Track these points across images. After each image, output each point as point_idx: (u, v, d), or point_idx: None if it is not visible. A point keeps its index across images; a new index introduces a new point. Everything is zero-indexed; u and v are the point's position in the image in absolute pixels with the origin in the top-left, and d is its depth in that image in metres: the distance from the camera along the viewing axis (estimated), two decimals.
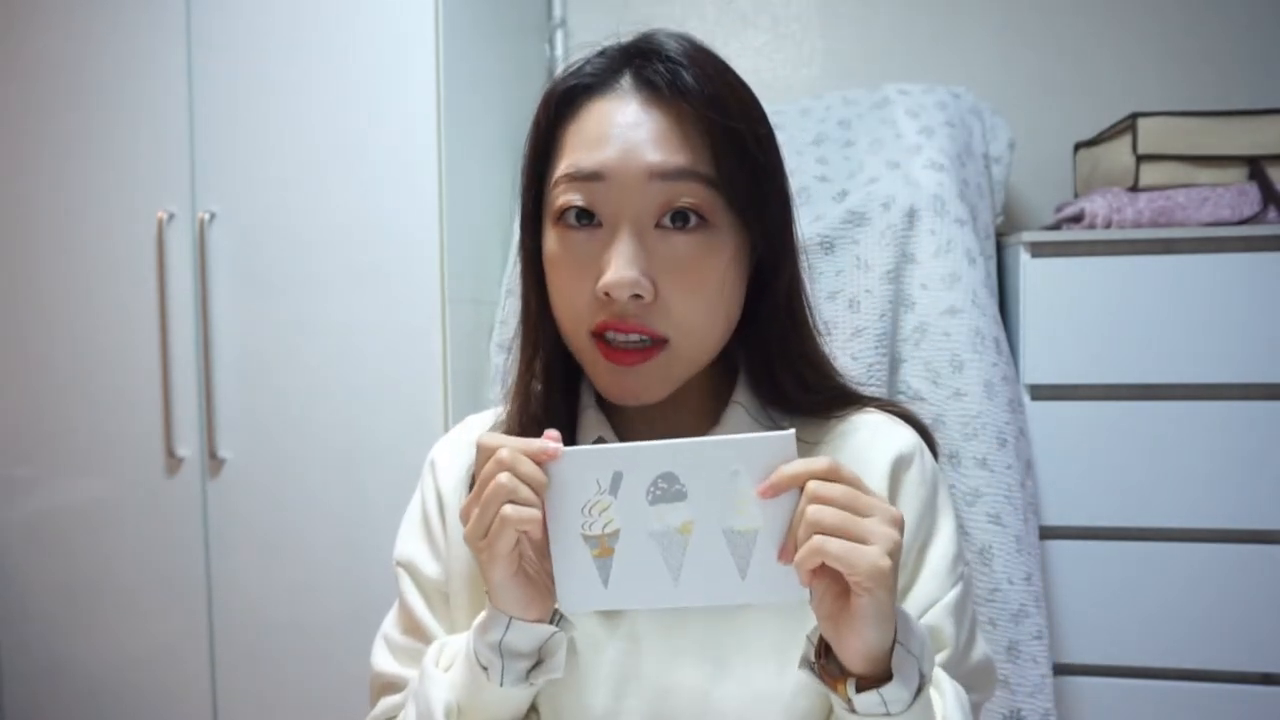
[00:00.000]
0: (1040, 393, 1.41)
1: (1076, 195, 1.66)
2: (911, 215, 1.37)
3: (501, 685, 0.59)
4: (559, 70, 0.67)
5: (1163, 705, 1.36)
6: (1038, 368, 1.41)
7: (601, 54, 0.66)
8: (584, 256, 0.61)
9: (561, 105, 0.64)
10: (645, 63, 0.62)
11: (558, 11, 1.88)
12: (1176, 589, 1.35)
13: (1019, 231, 1.48)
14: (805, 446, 0.69)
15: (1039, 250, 1.42)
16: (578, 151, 0.61)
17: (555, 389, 0.67)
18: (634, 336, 0.61)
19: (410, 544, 0.74)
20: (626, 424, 0.69)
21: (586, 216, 0.61)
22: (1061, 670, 1.37)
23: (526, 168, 0.66)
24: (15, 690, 1.55)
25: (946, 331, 1.35)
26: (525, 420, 0.67)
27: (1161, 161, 1.45)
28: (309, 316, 1.41)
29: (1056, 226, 1.55)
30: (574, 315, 0.62)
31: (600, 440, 0.68)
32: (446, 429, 1.37)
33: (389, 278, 1.39)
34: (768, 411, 0.70)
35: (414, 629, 0.71)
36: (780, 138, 1.70)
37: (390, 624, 0.74)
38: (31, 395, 1.52)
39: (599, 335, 0.62)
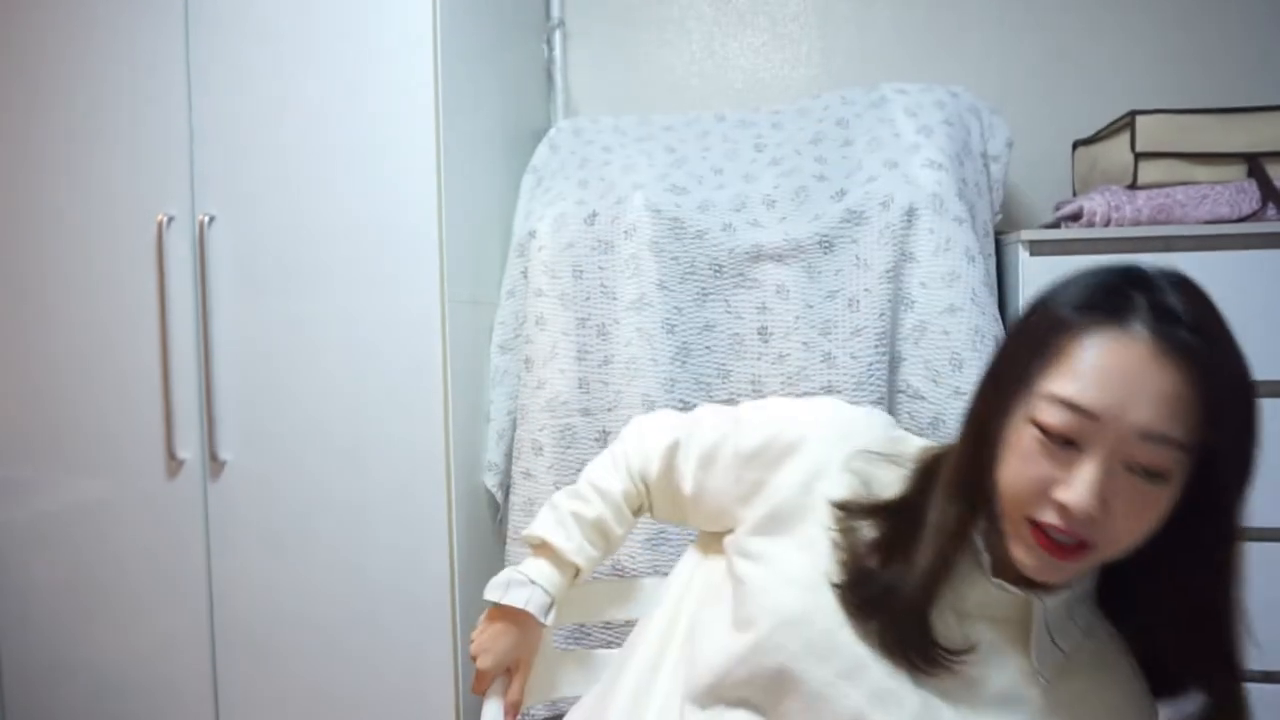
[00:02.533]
0: None
1: (1075, 193, 1.66)
2: (910, 214, 1.37)
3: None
4: (1056, 293, 0.71)
5: None
6: None
7: (1109, 281, 0.69)
8: (1049, 460, 0.66)
9: (1062, 326, 0.67)
10: (1165, 322, 0.65)
11: (556, 11, 1.89)
12: None
13: (1018, 229, 1.48)
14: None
15: (1038, 248, 1.42)
16: (1079, 381, 0.65)
17: (971, 531, 0.73)
18: (1067, 539, 0.66)
19: (761, 418, 0.89)
20: (1000, 562, 0.74)
21: (1068, 439, 0.65)
22: None
23: (1011, 361, 0.71)
24: (17, 690, 1.56)
25: (946, 330, 1.35)
26: (944, 557, 0.73)
27: (1160, 159, 1.45)
28: (309, 318, 1.42)
29: (1055, 224, 1.55)
30: (1020, 497, 0.68)
31: (1002, 587, 0.73)
32: (447, 429, 1.38)
33: (389, 279, 1.39)
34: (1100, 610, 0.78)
35: (677, 444, 0.94)
36: (778, 137, 1.71)
37: (705, 421, 0.94)
38: (33, 397, 1.52)
39: (1034, 521, 0.68)
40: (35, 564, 1.53)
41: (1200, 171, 1.44)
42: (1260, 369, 1.40)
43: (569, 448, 1.46)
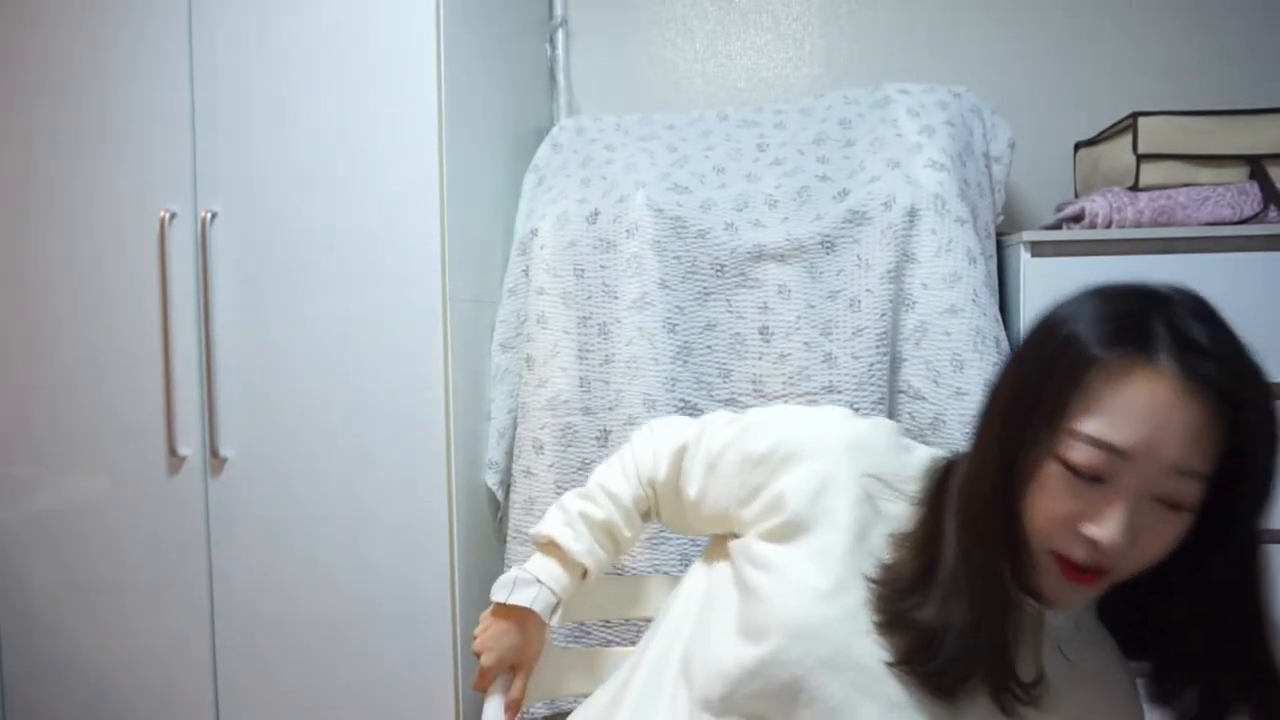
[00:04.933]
0: None
1: (1077, 195, 1.66)
2: (912, 214, 1.37)
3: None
4: (1073, 316, 0.69)
5: None
6: None
7: (1130, 309, 0.68)
8: (1078, 497, 0.67)
9: (1092, 365, 0.66)
10: (1189, 353, 0.64)
11: (559, 11, 1.89)
12: None
13: (1019, 231, 1.48)
14: None
15: (1039, 250, 1.42)
16: (1111, 421, 0.65)
17: (1010, 559, 0.71)
18: (1091, 565, 0.68)
19: (770, 425, 0.87)
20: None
21: (1095, 477, 0.66)
22: None
23: (1035, 395, 0.69)
24: (17, 688, 1.56)
25: (947, 331, 1.35)
26: (992, 596, 0.71)
27: (1162, 161, 1.45)
28: (310, 315, 1.42)
29: (1057, 226, 1.55)
30: (1045, 532, 0.69)
31: (1027, 603, 0.73)
32: (448, 428, 1.38)
33: (390, 276, 1.39)
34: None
35: (685, 448, 0.94)
36: (781, 137, 1.71)
37: (715, 426, 0.94)
38: (34, 393, 1.52)
39: (1055, 552, 0.69)
40: (36, 561, 1.53)
41: (1202, 173, 1.44)
42: None
43: (570, 446, 1.46)
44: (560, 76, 1.89)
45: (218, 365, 1.45)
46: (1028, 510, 0.69)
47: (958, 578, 0.72)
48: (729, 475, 0.88)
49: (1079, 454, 0.65)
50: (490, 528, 1.55)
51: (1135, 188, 1.45)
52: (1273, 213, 1.40)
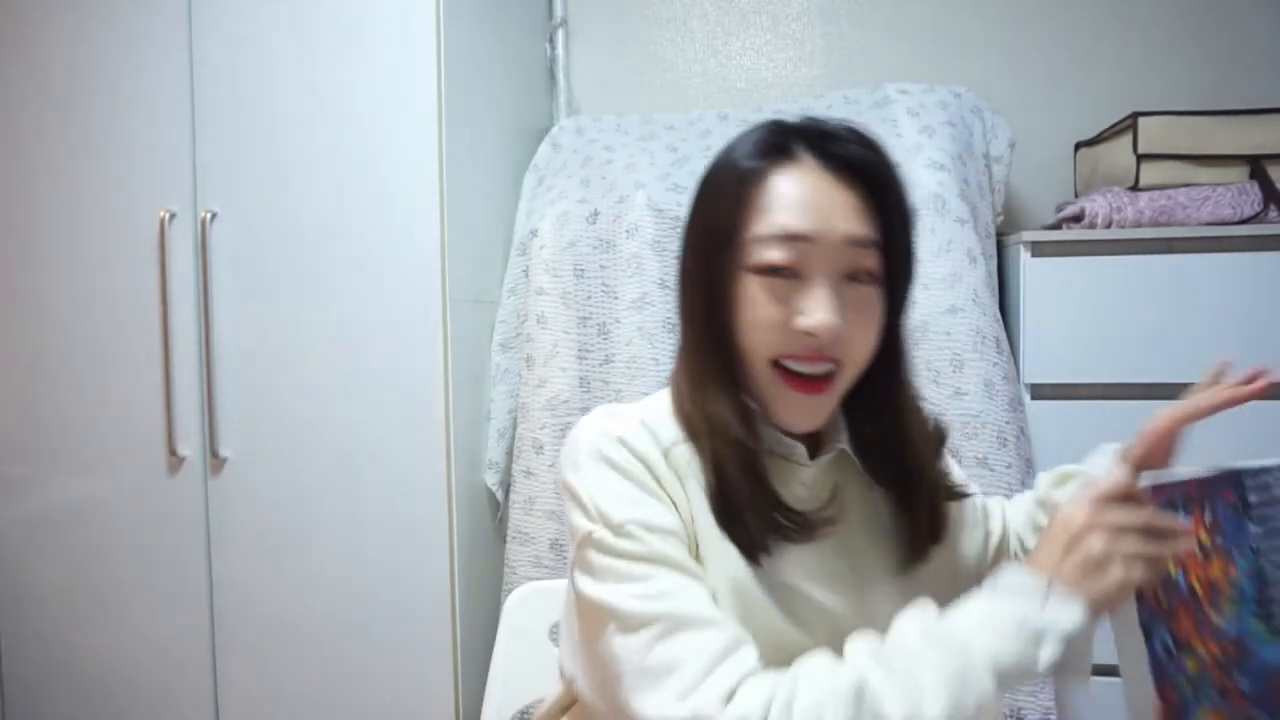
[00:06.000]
0: (1040, 392, 1.41)
1: (1077, 195, 1.66)
2: None
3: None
4: (734, 150, 0.75)
5: None
6: (1038, 367, 1.42)
7: (768, 129, 0.75)
8: (781, 300, 0.71)
9: (748, 176, 0.73)
10: (827, 141, 0.73)
11: (558, 11, 1.89)
12: None
13: (1019, 231, 1.48)
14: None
15: (1039, 250, 1.42)
16: (784, 213, 0.71)
17: (741, 407, 0.74)
18: (820, 368, 0.71)
19: (634, 507, 0.72)
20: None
21: (789, 270, 0.71)
22: None
23: (710, 226, 0.75)
24: (17, 687, 1.56)
25: (947, 331, 1.35)
26: (725, 438, 0.73)
27: (1162, 161, 1.45)
28: (310, 316, 1.42)
29: (1057, 226, 1.55)
30: (762, 346, 0.72)
31: (819, 464, 0.77)
32: (448, 428, 1.38)
33: (390, 276, 1.39)
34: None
35: (687, 573, 0.71)
36: None
37: (660, 586, 0.69)
38: (34, 394, 1.52)
39: (777, 364, 0.72)
40: (36, 561, 1.54)
41: (1202, 173, 1.44)
42: None
43: None
44: (560, 76, 1.89)
45: (217, 365, 1.45)
46: (742, 334, 0.72)
47: (714, 437, 0.72)
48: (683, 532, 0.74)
49: (767, 255, 0.70)
50: (490, 527, 1.55)
51: (1135, 188, 1.45)
52: (1273, 213, 1.40)
